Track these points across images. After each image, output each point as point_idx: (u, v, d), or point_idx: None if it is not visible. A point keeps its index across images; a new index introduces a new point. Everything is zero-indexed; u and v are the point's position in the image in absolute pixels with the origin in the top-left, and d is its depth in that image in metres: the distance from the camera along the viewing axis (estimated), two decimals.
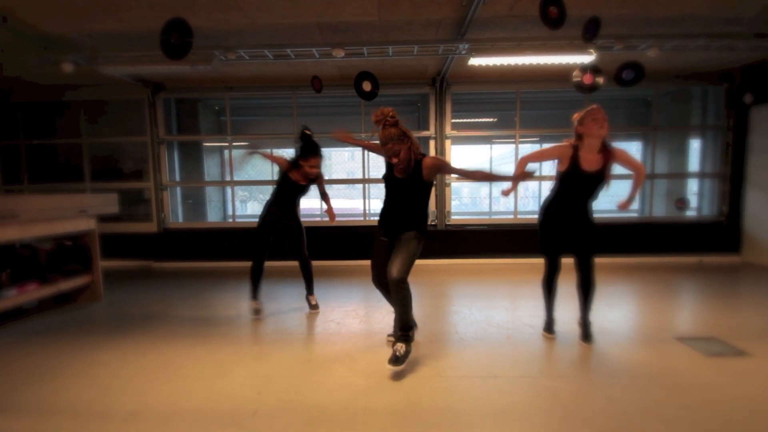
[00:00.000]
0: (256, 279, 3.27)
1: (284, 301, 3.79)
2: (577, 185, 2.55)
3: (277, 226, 3.27)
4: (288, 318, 3.30)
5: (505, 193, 2.65)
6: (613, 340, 2.74)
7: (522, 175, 2.51)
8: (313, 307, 3.43)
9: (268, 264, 3.33)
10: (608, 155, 2.49)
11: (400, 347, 2.27)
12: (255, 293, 3.30)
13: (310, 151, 3.15)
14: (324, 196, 3.40)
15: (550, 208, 2.67)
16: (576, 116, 2.58)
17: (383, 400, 2.01)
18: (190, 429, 1.80)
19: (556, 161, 2.65)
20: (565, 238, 2.64)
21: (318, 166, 3.19)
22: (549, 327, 2.83)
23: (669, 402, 1.96)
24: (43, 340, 2.89)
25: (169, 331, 3.04)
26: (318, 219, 6.60)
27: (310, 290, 3.45)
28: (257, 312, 3.29)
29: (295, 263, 3.37)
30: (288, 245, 3.33)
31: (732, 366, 2.34)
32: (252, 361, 2.48)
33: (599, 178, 2.51)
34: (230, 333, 2.98)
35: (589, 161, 2.49)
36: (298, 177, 3.23)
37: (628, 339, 2.78)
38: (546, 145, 2.87)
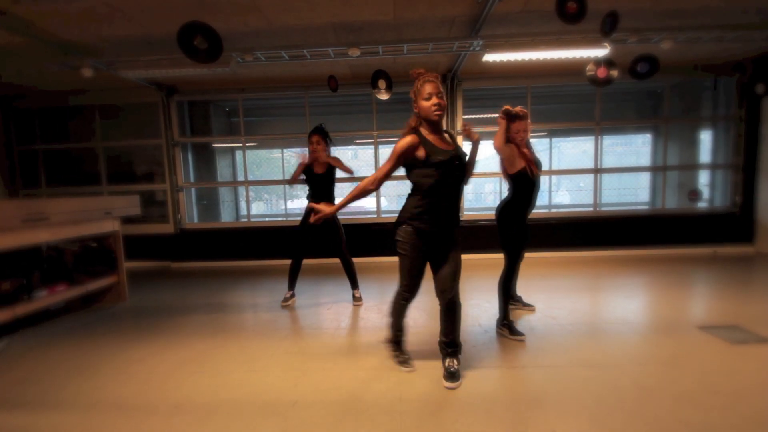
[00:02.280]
0: (293, 273, 3.58)
1: (311, 296, 3.85)
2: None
3: (316, 225, 3.41)
4: (314, 312, 3.37)
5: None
6: (636, 329, 2.78)
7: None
8: (357, 300, 3.63)
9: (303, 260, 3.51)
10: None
11: (454, 362, 2.19)
12: (291, 284, 3.62)
13: (312, 131, 3.43)
14: (346, 170, 3.58)
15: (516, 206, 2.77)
16: (501, 112, 2.59)
17: (417, 390, 2.07)
18: (234, 420, 1.86)
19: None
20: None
21: (319, 143, 3.40)
22: (514, 329, 2.72)
23: (698, 387, 2.01)
24: (76, 340, 2.97)
25: (197, 328, 3.11)
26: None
27: (353, 285, 3.65)
28: (287, 300, 3.61)
29: (329, 261, 3.51)
30: (328, 243, 3.51)
31: (757, 352, 2.38)
32: (284, 355, 2.54)
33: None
34: (257, 329, 3.05)
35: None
36: (316, 167, 3.46)
37: (651, 328, 2.81)
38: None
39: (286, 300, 3.61)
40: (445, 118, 5.42)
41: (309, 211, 3.48)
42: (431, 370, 2.27)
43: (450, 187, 2.08)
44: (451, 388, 2.08)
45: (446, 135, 2.14)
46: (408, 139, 2.02)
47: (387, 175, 2.09)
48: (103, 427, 1.85)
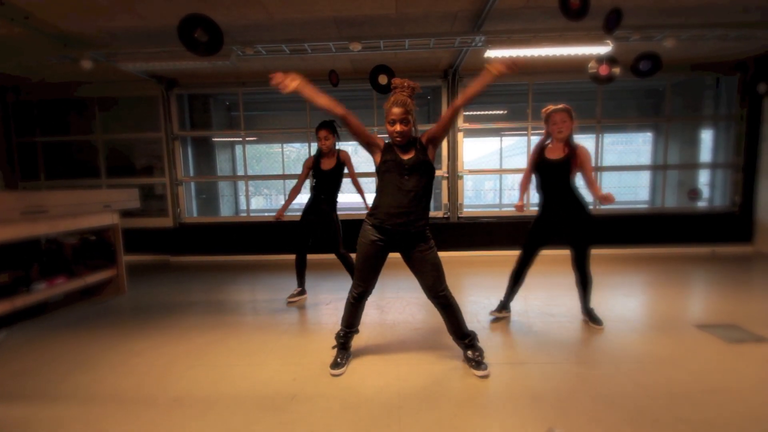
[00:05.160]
0: (300, 268, 3.55)
1: (310, 292, 3.84)
2: (546, 174, 2.74)
3: (316, 220, 3.42)
4: (313, 308, 3.38)
5: (518, 208, 2.90)
6: (634, 327, 2.79)
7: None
8: None
9: (293, 257, 3.47)
10: (571, 150, 2.66)
11: (475, 353, 2.23)
12: (300, 280, 3.58)
13: (319, 125, 3.35)
14: (355, 181, 3.56)
15: (540, 202, 2.85)
16: (544, 111, 2.73)
17: (416, 385, 2.08)
18: (233, 413, 1.87)
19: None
20: (551, 231, 2.80)
21: (327, 138, 3.32)
22: (500, 308, 3.01)
23: (695, 386, 2.02)
24: (75, 332, 2.97)
25: (196, 322, 3.11)
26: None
27: None
28: (293, 296, 3.55)
29: (329, 257, 3.51)
30: (326, 241, 3.46)
31: (754, 351, 2.39)
32: (283, 349, 2.55)
33: (565, 166, 2.68)
34: (257, 323, 3.06)
35: (552, 150, 2.72)
36: (323, 163, 3.40)
37: (649, 327, 2.83)
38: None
39: (293, 296, 3.54)
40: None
41: (312, 204, 3.45)
42: (430, 365, 2.29)
43: (397, 186, 2.08)
44: (483, 377, 2.13)
45: (412, 148, 2.13)
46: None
47: (363, 131, 2.12)
48: (103, 419, 1.86)
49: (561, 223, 2.76)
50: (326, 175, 3.39)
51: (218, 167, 6.76)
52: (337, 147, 3.45)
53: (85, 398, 2.05)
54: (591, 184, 2.71)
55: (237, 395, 2.02)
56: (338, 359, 2.28)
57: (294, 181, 3.58)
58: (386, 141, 2.19)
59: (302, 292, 3.59)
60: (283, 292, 3.85)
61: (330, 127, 3.34)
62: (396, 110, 2.04)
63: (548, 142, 2.77)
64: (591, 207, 2.79)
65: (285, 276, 4.56)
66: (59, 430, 1.78)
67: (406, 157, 2.11)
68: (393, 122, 2.06)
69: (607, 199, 2.55)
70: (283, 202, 3.62)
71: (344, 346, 2.33)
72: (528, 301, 3.41)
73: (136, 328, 3.03)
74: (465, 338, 2.26)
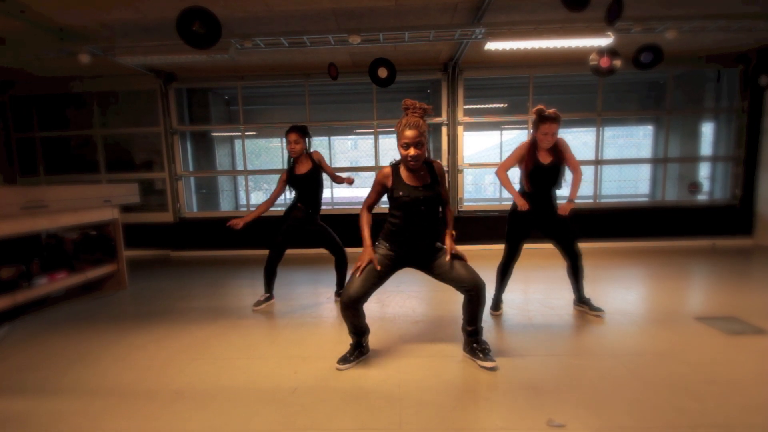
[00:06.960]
0: (269, 274, 3.28)
1: (310, 286, 3.87)
2: (538, 177, 2.75)
3: (298, 228, 3.21)
4: (313, 302, 3.38)
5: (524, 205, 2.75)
6: (633, 320, 2.80)
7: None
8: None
9: (300, 252, 3.38)
10: (556, 153, 2.72)
11: (482, 345, 2.24)
12: (268, 287, 3.31)
13: (289, 129, 3.18)
14: (333, 177, 3.33)
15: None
16: (535, 112, 2.66)
17: (416, 378, 2.09)
18: (234, 405, 1.88)
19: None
20: (534, 227, 2.86)
21: (297, 142, 3.13)
22: (496, 306, 3.01)
23: (694, 377, 2.02)
24: (77, 327, 2.98)
25: (197, 316, 3.12)
26: (329, 208, 6.63)
27: (342, 285, 3.37)
28: (259, 303, 3.26)
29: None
30: (325, 246, 3.32)
31: (753, 343, 2.40)
32: (284, 342, 2.56)
33: (556, 171, 2.74)
34: (257, 316, 3.07)
35: (541, 154, 2.74)
36: (297, 167, 3.20)
37: (649, 319, 2.83)
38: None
39: (259, 303, 3.25)
40: (446, 110, 5.40)
41: (290, 211, 3.23)
42: (430, 358, 2.30)
43: (414, 221, 2.12)
44: (492, 369, 2.12)
45: (424, 171, 2.12)
46: (383, 170, 2.14)
47: (372, 202, 2.25)
48: (104, 413, 1.87)
49: (540, 219, 2.82)
50: (303, 180, 3.17)
51: (218, 162, 6.74)
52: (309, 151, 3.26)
53: (86, 392, 2.06)
54: (575, 170, 2.79)
55: (238, 388, 2.03)
56: (347, 354, 2.26)
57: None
58: (391, 164, 2.15)
59: (269, 298, 3.33)
60: (283, 286, 3.85)
61: (300, 131, 3.16)
62: (409, 133, 1.98)
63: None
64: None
65: (285, 270, 4.55)
66: (61, 424, 1.79)
67: (416, 190, 2.09)
68: (407, 146, 2.00)
69: (563, 209, 2.74)
70: (283, 198, 3.53)
71: (358, 344, 2.29)
72: (528, 294, 3.42)
73: (137, 322, 3.04)
74: (476, 331, 2.24)
